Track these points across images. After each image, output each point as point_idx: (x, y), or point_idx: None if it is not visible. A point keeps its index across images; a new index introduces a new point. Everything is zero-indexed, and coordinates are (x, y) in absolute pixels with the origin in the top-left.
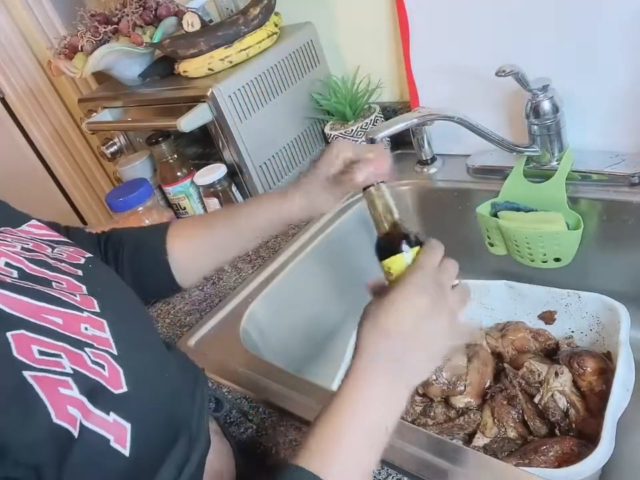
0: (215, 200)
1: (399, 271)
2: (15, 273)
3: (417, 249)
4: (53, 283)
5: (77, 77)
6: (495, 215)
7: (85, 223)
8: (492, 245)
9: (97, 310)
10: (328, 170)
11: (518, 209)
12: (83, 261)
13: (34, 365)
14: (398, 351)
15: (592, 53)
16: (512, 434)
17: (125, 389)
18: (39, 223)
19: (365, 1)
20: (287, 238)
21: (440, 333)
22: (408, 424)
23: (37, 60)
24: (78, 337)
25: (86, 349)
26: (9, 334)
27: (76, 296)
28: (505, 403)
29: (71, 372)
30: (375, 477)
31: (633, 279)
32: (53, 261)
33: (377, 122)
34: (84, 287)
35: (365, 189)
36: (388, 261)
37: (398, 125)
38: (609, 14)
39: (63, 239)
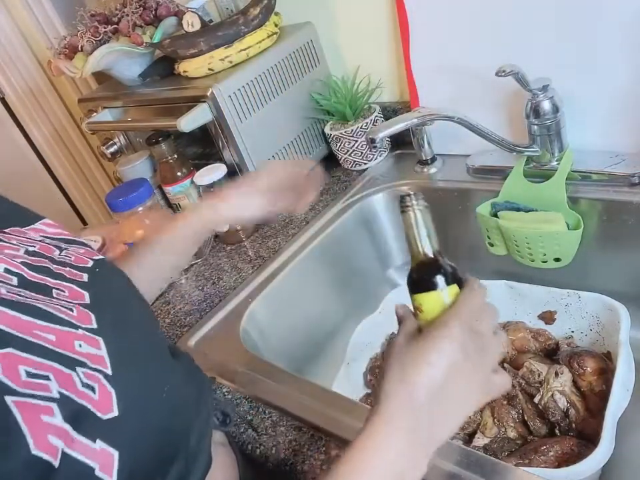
0: None
1: (431, 311)
2: (15, 280)
3: (454, 287)
4: (54, 291)
5: (77, 77)
6: (495, 215)
7: (85, 223)
8: (492, 245)
9: (94, 326)
10: (268, 180)
11: (518, 209)
12: (90, 263)
13: (18, 389)
14: (423, 415)
15: (592, 53)
16: (512, 434)
17: (115, 412)
18: (52, 222)
19: (365, 1)
20: (287, 238)
21: (473, 392)
22: None
23: (37, 60)
24: (70, 355)
25: (77, 369)
26: None
27: (72, 310)
28: (504, 402)
29: (57, 396)
30: None
31: (633, 279)
32: (56, 266)
33: (376, 122)
34: (86, 294)
35: (401, 201)
36: (420, 297)
37: (398, 125)
38: (609, 14)
39: (76, 239)
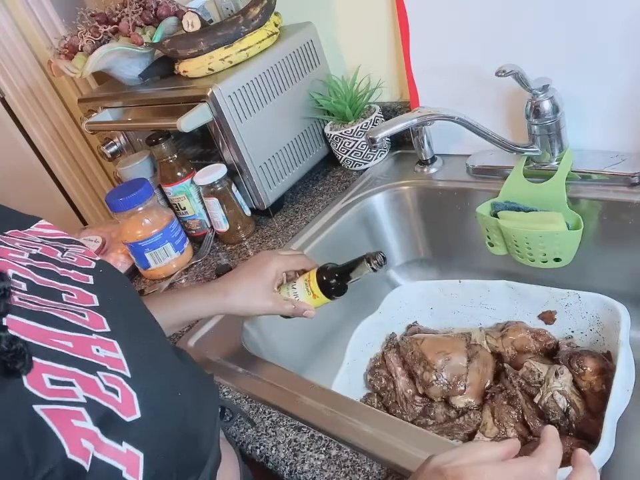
0: (215, 200)
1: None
2: (24, 286)
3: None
4: (63, 295)
5: (77, 77)
6: (495, 215)
7: (85, 223)
8: (492, 245)
9: (107, 329)
10: (271, 280)
11: (518, 209)
12: (93, 265)
13: (45, 398)
14: None
15: (592, 53)
16: (512, 434)
17: (137, 414)
18: (48, 223)
19: (365, 1)
20: (287, 238)
21: None
22: (408, 424)
23: (37, 60)
24: (90, 360)
25: (99, 373)
26: (20, 364)
27: (84, 315)
28: (504, 402)
29: (84, 401)
30: (374, 476)
31: (633, 279)
32: (61, 270)
33: (377, 122)
34: (95, 297)
35: (379, 263)
36: (321, 293)
37: (398, 125)
38: (609, 14)
39: (73, 238)
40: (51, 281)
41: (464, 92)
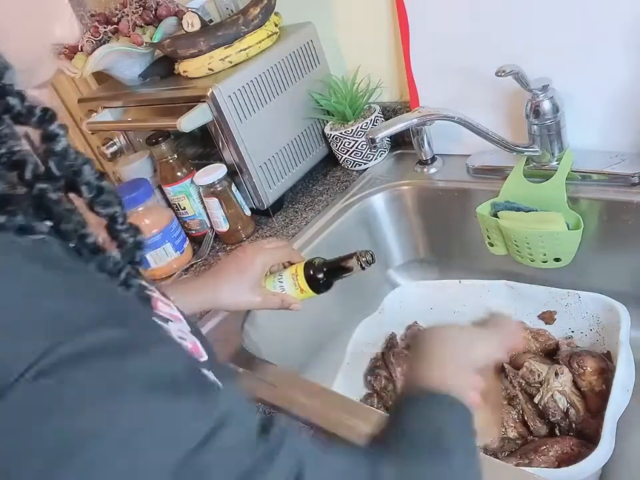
0: (215, 200)
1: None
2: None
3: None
4: None
5: (77, 77)
6: (495, 215)
7: None
8: (492, 245)
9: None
10: (258, 276)
11: (518, 209)
12: None
13: (160, 314)
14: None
15: (592, 53)
16: (512, 434)
17: (205, 357)
18: None
19: (365, 1)
20: (287, 238)
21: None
22: None
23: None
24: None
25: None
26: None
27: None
28: (505, 403)
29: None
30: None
31: (633, 279)
32: None
33: (376, 122)
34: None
35: (369, 261)
36: (308, 288)
37: (398, 125)
38: (609, 14)
39: None
40: None
41: (464, 92)
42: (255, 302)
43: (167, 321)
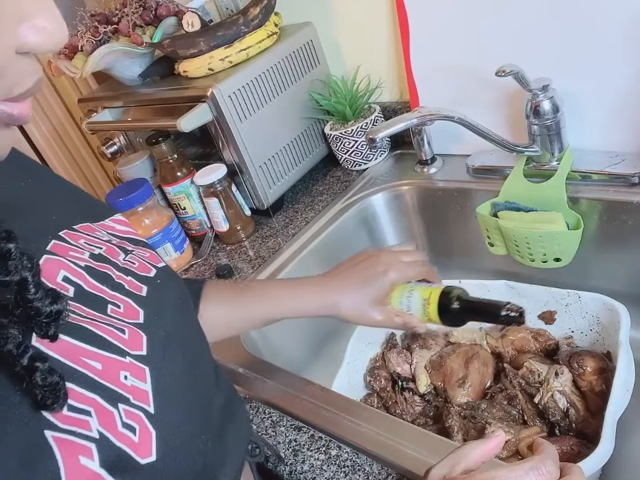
0: (215, 200)
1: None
2: (71, 291)
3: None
4: (109, 307)
5: (77, 77)
6: (495, 215)
7: None
8: (492, 245)
9: (143, 352)
10: (385, 293)
11: (518, 209)
12: (153, 272)
13: (59, 425)
14: None
15: (592, 53)
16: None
17: (153, 457)
18: (122, 218)
19: (365, 1)
20: (287, 238)
21: None
22: (408, 424)
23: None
24: (114, 388)
25: (120, 406)
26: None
27: (124, 332)
28: (504, 402)
29: (97, 436)
30: (374, 476)
31: (633, 279)
32: (118, 274)
33: (377, 122)
34: (141, 313)
35: (515, 319)
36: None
37: (398, 125)
38: (609, 14)
39: (142, 239)
40: (102, 287)
41: (464, 92)
42: (375, 320)
43: (83, 412)
